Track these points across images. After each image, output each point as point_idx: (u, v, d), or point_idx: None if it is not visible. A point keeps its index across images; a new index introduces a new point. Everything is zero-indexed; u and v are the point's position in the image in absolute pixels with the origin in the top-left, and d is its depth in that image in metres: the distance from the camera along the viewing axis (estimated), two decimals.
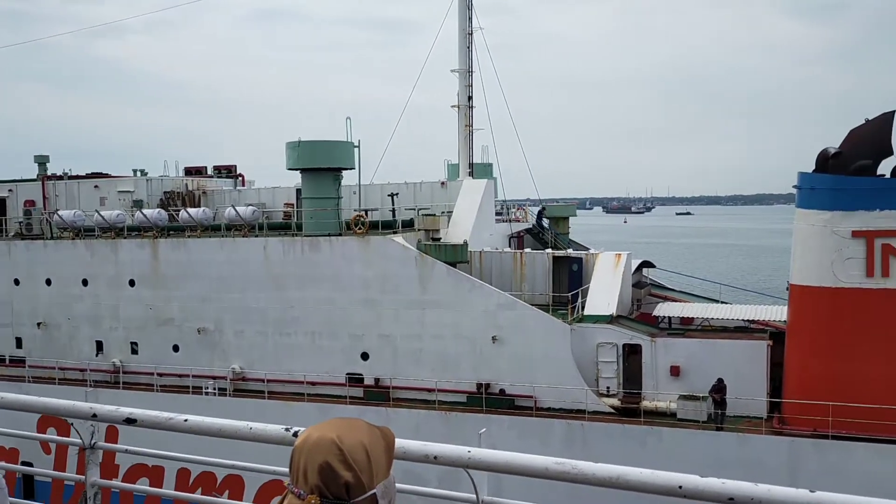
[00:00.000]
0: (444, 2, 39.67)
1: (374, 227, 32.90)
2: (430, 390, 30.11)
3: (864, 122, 25.44)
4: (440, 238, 33.76)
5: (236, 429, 3.70)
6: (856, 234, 24.56)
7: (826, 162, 25.50)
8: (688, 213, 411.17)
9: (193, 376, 33.73)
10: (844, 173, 24.98)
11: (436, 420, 29.15)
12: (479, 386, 29.92)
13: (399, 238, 31.63)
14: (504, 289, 31.55)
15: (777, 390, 26.97)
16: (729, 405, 26.36)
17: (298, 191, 37.78)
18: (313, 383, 32.09)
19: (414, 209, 36.63)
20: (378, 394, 31.19)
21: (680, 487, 2.66)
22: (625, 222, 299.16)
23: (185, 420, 3.87)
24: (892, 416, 23.19)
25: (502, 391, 29.79)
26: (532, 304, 30.46)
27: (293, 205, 39.58)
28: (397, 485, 3.95)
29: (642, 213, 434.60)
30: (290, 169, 34.19)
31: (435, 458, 3.13)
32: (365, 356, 31.98)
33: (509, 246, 40.18)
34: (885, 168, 25.48)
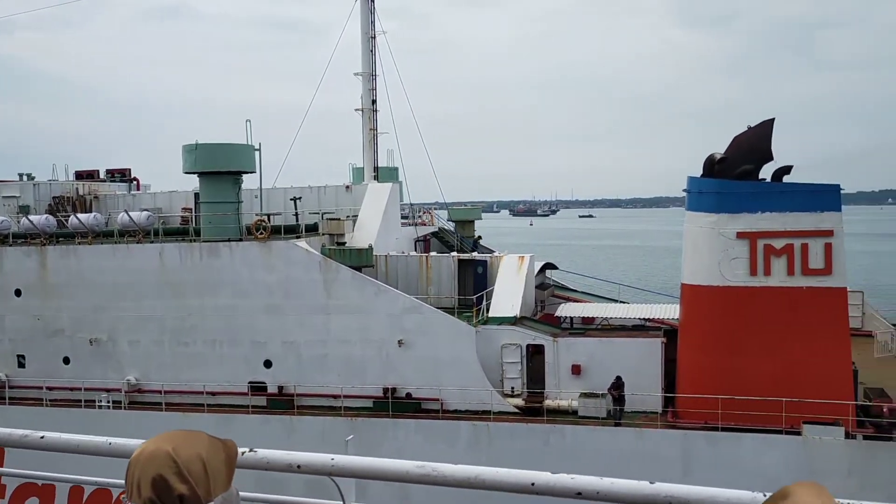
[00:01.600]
0: (348, 4, 39.51)
1: (276, 231, 32.29)
2: (335, 396, 29.81)
3: (746, 128, 26.87)
4: (345, 242, 33.49)
5: (96, 445, 3.55)
6: (740, 236, 25.89)
7: (712, 167, 26.77)
8: (590, 216, 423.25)
9: (86, 389, 32.21)
10: (729, 177, 26.29)
11: (342, 426, 28.86)
12: (386, 390, 29.83)
13: (302, 243, 31.18)
14: (410, 292, 31.59)
15: (672, 386, 28.09)
16: (627, 401, 27.28)
17: (197, 195, 36.71)
18: (214, 393, 31.21)
19: (318, 213, 36.21)
20: (282, 402, 30.62)
21: (532, 484, 2.72)
22: (531, 225, 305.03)
23: (42, 437, 3.69)
24: (777, 408, 24.54)
25: (409, 395, 29.81)
26: (438, 307, 30.63)
27: (191, 209, 38.43)
28: (260, 495, 3.90)
29: (548, 215, 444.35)
30: (186, 172, 33.17)
31: (298, 466, 3.09)
32: (268, 364, 31.35)
33: (415, 249, 40.31)
34: (766, 172, 26.99)
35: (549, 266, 39.43)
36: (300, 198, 37.31)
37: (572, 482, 2.66)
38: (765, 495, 2.09)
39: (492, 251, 40.14)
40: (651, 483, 2.57)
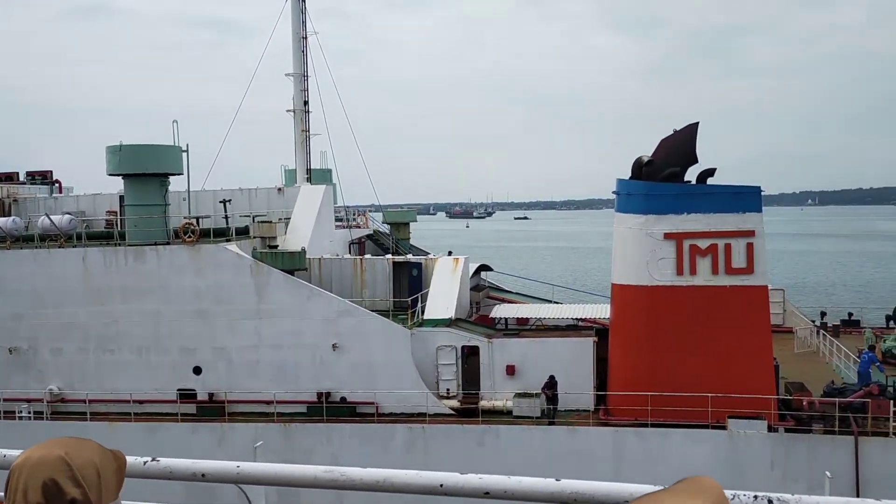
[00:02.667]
0: (279, 4, 38.98)
1: (205, 235, 31.59)
2: (268, 402, 29.31)
3: (672, 132, 27.60)
4: (277, 245, 33.00)
5: None
6: (667, 236, 26.57)
7: (640, 169, 27.40)
8: (525, 218, 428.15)
9: (5, 400, 30.84)
10: (656, 180, 26.95)
11: (275, 432, 28.42)
12: (320, 395, 29.50)
13: (233, 246, 30.58)
14: (344, 295, 31.34)
15: (604, 384, 28.61)
16: (560, 400, 27.65)
17: (122, 198, 35.59)
18: (141, 402, 30.29)
19: (249, 216, 35.58)
20: (212, 409, 29.94)
21: (441, 486, 2.70)
22: (467, 227, 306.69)
23: None
24: (703, 404, 25.26)
25: (343, 399, 29.54)
26: (373, 310, 30.47)
27: (116, 213, 37.25)
28: None
29: (483, 217, 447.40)
30: (111, 174, 32.15)
31: (203, 475, 3.00)
32: (197, 370, 30.62)
33: (349, 252, 40.00)
34: (691, 175, 27.76)
35: (484, 268, 39.68)
36: (230, 200, 36.59)
37: (480, 482, 2.65)
38: (664, 488, 2.11)
39: (427, 253, 40.16)
40: (557, 480, 2.58)
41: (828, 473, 18.62)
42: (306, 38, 38.53)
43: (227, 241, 31.55)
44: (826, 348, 34.55)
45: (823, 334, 35.99)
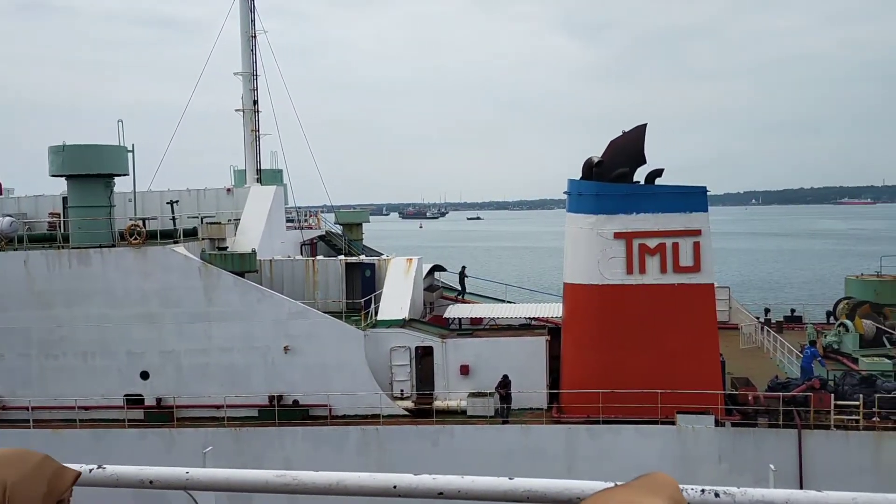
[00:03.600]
0: (227, 2, 38.40)
1: (152, 237, 30.92)
2: (218, 407, 28.84)
3: (621, 133, 28.03)
4: (226, 247, 32.50)
5: None
6: (617, 236, 26.97)
7: (591, 170, 27.77)
8: (478, 218, 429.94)
9: None
10: (606, 180, 27.34)
11: (225, 437, 27.96)
12: (272, 398, 29.14)
13: (181, 248, 30.00)
14: (296, 297, 31.02)
15: (556, 382, 28.90)
16: (514, 399, 27.83)
17: (65, 199, 34.61)
18: (87, 408, 29.49)
19: (197, 217, 34.96)
20: (160, 415, 29.32)
21: (395, 487, 2.69)
22: (420, 227, 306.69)
23: None
24: (653, 400, 25.71)
25: (296, 402, 29.23)
26: (325, 312, 30.22)
27: (59, 214, 36.21)
28: None
29: (437, 217, 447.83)
30: (53, 175, 31.23)
31: (151, 482, 2.92)
32: (145, 375, 29.95)
33: (301, 253, 39.63)
34: (641, 175, 28.23)
35: (437, 268, 39.73)
36: (178, 201, 35.90)
37: (434, 482, 2.64)
38: (616, 484, 2.14)
39: (380, 254, 40.02)
40: (510, 479, 2.58)
41: (772, 466, 19.07)
42: (255, 36, 38.05)
43: (175, 242, 30.94)
44: (770, 344, 35.51)
45: (767, 330, 37.00)
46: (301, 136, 43.12)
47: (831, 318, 39.60)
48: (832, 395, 25.78)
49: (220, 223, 33.55)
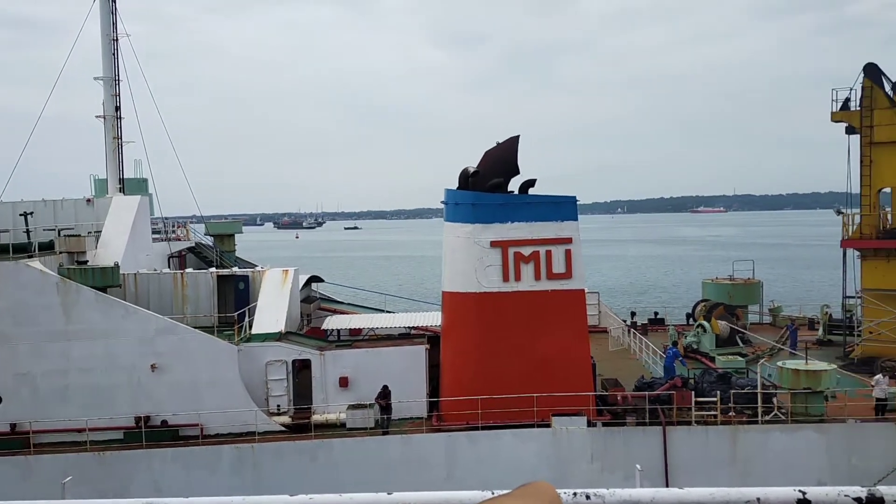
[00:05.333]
0: (87, 3, 36.28)
1: (3, 251, 28.69)
2: (80, 430, 27.03)
3: (495, 144, 28.67)
4: (87, 261, 30.61)
5: None
6: (493, 245, 27.53)
7: (467, 180, 28.23)
8: (356, 228, 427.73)
9: None
10: (482, 190, 27.87)
11: (89, 462, 26.23)
12: (139, 419, 27.64)
13: (35, 262, 28.00)
14: (164, 312, 29.66)
15: (437, 390, 29.06)
16: (394, 409, 27.74)
17: None
18: None
19: (54, 230, 32.75)
20: (15, 441, 27.16)
21: None
22: (296, 238, 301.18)
23: None
24: (529, 404, 26.35)
25: (164, 422, 27.87)
26: (196, 327, 29.05)
27: None
28: None
29: (314, 227, 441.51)
30: None
31: None
32: None
33: (169, 266, 37.92)
34: (515, 185, 28.96)
35: (314, 279, 39.10)
36: (32, 213, 33.47)
37: (311, 502, 2.56)
38: (493, 493, 2.14)
39: (254, 266, 38.92)
40: (389, 494, 2.54)
41: (638, 466, 20.08)
42: (117, 39, 36.17)
43: (30, 257, 28.86)
44: (636, 345, 37.33)
45: (634, 333, 38.88)
46: (168, 144, 41.35)
47: (690, 319, 42.13)
48: (693, 392, 27.36)
49: (79, 236, 31.62)
